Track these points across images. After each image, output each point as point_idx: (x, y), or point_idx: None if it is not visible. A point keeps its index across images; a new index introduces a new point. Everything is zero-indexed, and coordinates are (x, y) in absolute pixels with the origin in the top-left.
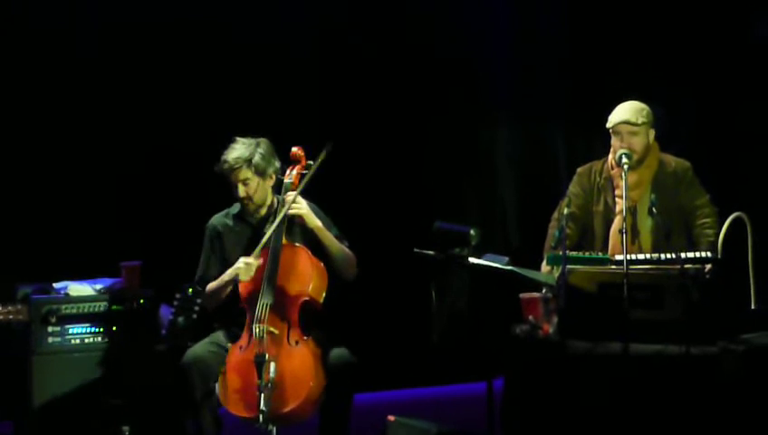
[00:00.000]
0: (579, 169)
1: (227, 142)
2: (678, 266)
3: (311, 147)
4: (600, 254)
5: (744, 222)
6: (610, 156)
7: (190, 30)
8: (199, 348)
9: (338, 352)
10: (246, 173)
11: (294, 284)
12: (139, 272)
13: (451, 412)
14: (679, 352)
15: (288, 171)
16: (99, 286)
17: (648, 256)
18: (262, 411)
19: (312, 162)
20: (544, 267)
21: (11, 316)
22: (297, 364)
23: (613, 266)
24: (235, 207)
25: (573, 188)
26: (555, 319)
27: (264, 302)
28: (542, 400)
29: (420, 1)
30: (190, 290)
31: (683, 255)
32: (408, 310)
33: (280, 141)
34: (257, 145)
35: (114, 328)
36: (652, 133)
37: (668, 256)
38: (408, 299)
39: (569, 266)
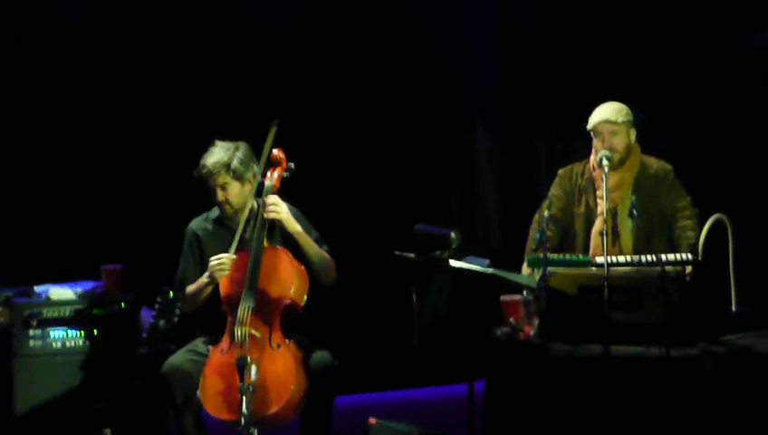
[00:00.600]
0: (560, 171)
1: (209, 146)
2: (659, 269)
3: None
4: (581, 256)
5: (724, 224)
6: (592, 157)
7: (170, 33)
8: (178, 357)
9: (319, 356)
10: (225, 178)
11: (276, 287)
12: (120, 275)
13: (432, 415)
14: (660, 355)
15: (269, 174)
16: (80, 290)
17: (628, 258)
18: (243, 415)
19: (292, 164)
20: (525, 270)
21: None
22: (279, 368)
23: (594, 269)
24: (215, 211)
25: (554, 190)
26: (536, 321)
27: (246, 305)
28: (524, 402)
29: (403, 6)
30: (171, 293)
31: (663, 257)
32: (388, 313)
33: (261, 144)
34: (236, 149)
35: (95, 331)
36: (633, 133)
37: (649, 258)
38: (388, 302)
39: (550, 269)
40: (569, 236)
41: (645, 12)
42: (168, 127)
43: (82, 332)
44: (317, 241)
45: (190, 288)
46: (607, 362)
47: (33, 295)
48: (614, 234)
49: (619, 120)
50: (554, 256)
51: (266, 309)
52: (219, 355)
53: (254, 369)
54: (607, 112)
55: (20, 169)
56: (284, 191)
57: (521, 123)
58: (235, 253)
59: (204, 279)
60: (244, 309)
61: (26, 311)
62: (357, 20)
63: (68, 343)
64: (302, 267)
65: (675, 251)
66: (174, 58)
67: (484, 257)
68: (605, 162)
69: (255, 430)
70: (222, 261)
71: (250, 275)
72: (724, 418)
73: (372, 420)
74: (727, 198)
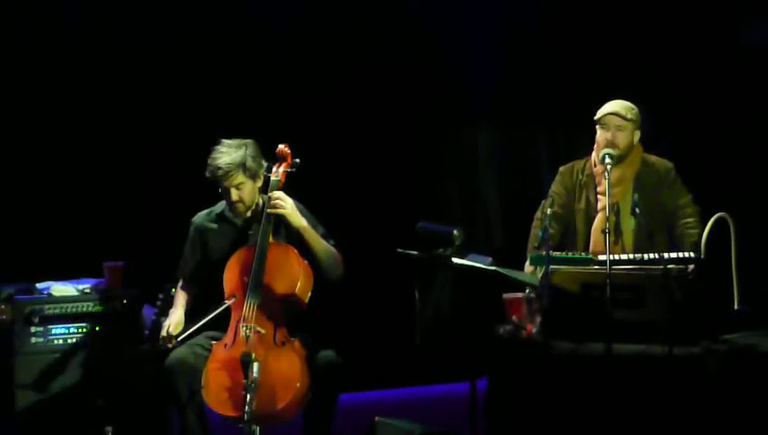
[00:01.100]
0: (561, 169)
1: (210, 142)
2: (661, 267)
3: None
4: (583, 253)
5: (726, 222)
6: (594, 152)
7: (170, 33)
8: (182, 351)
9: (324, 354)
10: (240, 178)
11: (281, 283)
12: (122, 272)
13: (435, 413)
14: (662, 353)
15: (274, 169)
16: (82, 287)
17: (631, 256)
18: (246, 411)
19: (298, 160)
20: (528, 267)
21: None
22: (284, 365)
23: (596, 267)
24: (219, 206)
25: (555, 187)
26: (538, 319)
27: (251, 301)
28: (526, 400)
29: (403, 6)
30: (173, 290)
31: (666, 255)
32: (391, 310)
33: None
34: (246, 147)
35: (97, 328)
36: (637, 134)
37: (651, 256)
38: (391, 299)
39: (552, 267)
40: (569, 233)
41: (646, 10)
42: (168, 124)
43: (84, 329)
44: (324, 237)
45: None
46: (609, 360)
47: (34, 292)
48: (616, 231)
49: (628, 116)
50: (557, 253)
51: (271, 305)
52: (223, 351)
53: (256, 366)
54: (617, 106)
55: (22, 167)
56: (289, 188)
57: (522, 121)
58: (241, 249)
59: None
60: (249, 305)
61: (28, 308)
62: (357, 20)
63: (69, 340)
64: (307, 264)
65: (676, 249)
66: (174, 57)
67: (486, 255)
68: (607, 159)
69: (258, 428)
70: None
71: (255, 271)
72: (727, 416)
73: (377, 419)
74: (730, 196)
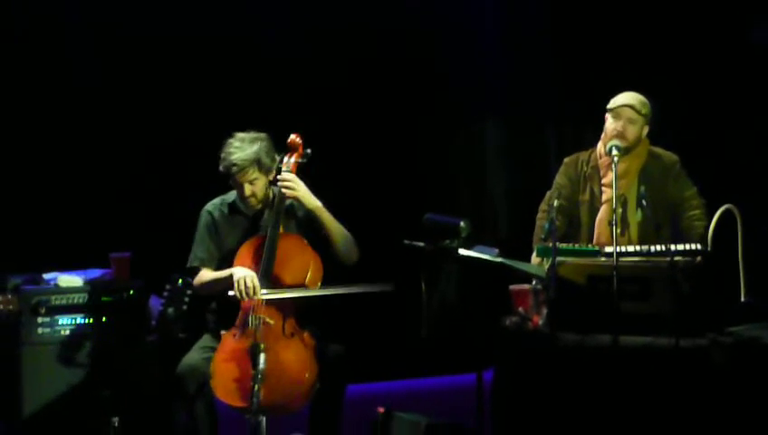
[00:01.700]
0: (565, 160)
1: (214, 134)
2: (668, 259)
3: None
4: (589, 245)
5: (733, 215)
6: (600, 143)
7: (177, 25)
8: (192, 356)
9: (332, 346)
10: (254, 173)
11: (291, 273)
12: (129, 263)
13: (441, 404)
14: (668, 345)
15: (285, 159)
16: (88, 277)
17: (637, 248)
18: (254, 402)
19: (309, 150)
20: (534, 259)
21: (0, 307)
22: (292, 356)
23: (603, 259)
24: (231, 196)
25: (560, 178)
26: (545, 311)
27: (261, 291)
28: (532, 391)
29: (403, 6)
30: (180, 281)
31: (673, 247)
32: (398, 302)
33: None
34: (260, 142)
35: (104, 319)
36: (646, 129)
37: (658, 248)
38: (398, 291)
39: (559, 258)
40: (573, 225)
41: (655, 5)
42: (173, 117)
43: (91, 319)
44: None
45: (208, 276)
46: (615, 352)
47: (41, 283)
48: (622, 223)
49: (643, 111)
50: (564, 245)
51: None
52: (232, 342)
53: (263, 356)
54: (632, 99)
55: (30, 157)
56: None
57: (529, 113)
58: (251, 239)
59: (224, 275)
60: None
61: (35, 298)
62: (357, 20)
63: (76, 331)
64: (317, 255)
65: (681, 241)
66: (176, 55)
67: (493, 247)
68: (615, 151)
69: (264, 418)
70: (249, 287)
71: (265, 261)
72: (733, 408)
73: (381, 409)
74: (737, 188)
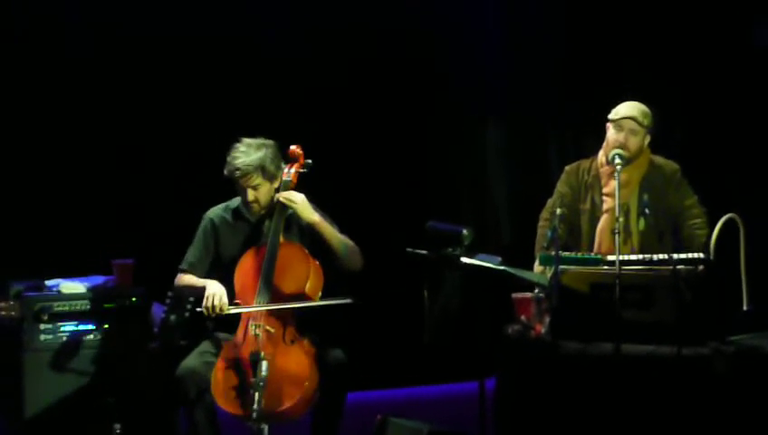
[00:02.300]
0: (567, 168)
1: (217, 140)
2: (671, 267)
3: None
4: (592, 254)
5: (736, 224)
6: (601, 152)
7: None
8: (192, 360)
9: (332, 353)
10: (257, 179)
11: (291, 282)
12: (132, 270)
13: (443, 412)
14: (671, 353)
15: (286, 169)
16: (91, 284)
17: (640, 256)
18: (255, 410)
19: (310, 161)
20: (537, 267)
21: (3, 313)
22: (293, 363)
23: (605, 267)
24: (235, 202)
25: (561, 187)
26: (547, 319)
27: (261, 300)
28: (534, 400)
29: (403, 6)
30: None
31: (675, 256)
32: (400, 309)
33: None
34: (266, 149)
35: (106, 326)
36: (648, 139)
37: (661, 256)
38: (400, 299)
39: (561, 267)
40: (573, 233)
41: (657, 8)
42: (176, 123)
43: (93, 326)
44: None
45: (187, 280)
46: (618, 361)
47: (44, 289)
48: (625, 232)
49: (645, 122)
50: (566, 254)
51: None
52: (232, 350)
53: (264, 364)
54: (635, 111)
55: (33, 163)
56: (300, 188)
57: (531, 119)
58: (252, 248)
59: (200, 284)
60: (259, 304)
61: (37, 305)
62: (357, 20)
63: (78, 338)
64: (318, 263)
65: (682, 250)
66: (176, 55)
67: (495, 255)
68: (617, 160)
69: (266, 426)
70: (215, 305)
71: (265, 270)
72: (735, 417)
73: (380, 417)
74: (739, 196)
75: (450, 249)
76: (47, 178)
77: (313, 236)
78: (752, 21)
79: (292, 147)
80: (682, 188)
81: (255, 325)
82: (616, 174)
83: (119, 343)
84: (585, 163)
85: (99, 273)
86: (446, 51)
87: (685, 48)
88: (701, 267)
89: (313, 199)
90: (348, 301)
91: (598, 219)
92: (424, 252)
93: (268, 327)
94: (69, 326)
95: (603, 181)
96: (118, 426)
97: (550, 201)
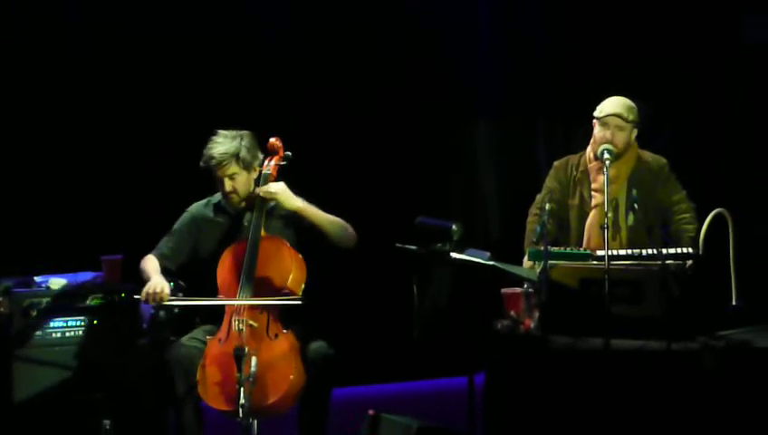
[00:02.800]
0: (555, 163)
1: (208, 135)
2: (660, 262)
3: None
4: (580, 249)
5: (725, 218)
6: (589, 148)
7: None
8: (182, 343)
9: (316, 346)
10: (234, 168)
11: (273, 276)
12: (121, 266)
13: (432, 407)
14: (660, 348)
15: (266, 162)
16: (80, 280)
17: (629, 251)
18: (242, 406)
19: (290, 153)
20: (526, 262)
21: None
22: (277, 357)
23: (594, 262)
24: (216, 197)
25: (550, 182)
26: (537, 314)
27: (244, 295)
28: (524, 395)
29: (403, 6)
30: (171, 284)
31: (664, 251)
32: (389, 305)
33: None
34: (241, 138)
35: (95, 322)
36: (635, 133)
37: (650, 251)
38: (389, 294)
39: (551, 262)
40: (562, 229)
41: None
42: (166, 119)
43: (82, 322)
44: None
45: (144, 266)
46: (607, 356)
47: (33, 285)
48: (613, 227)
49: (630, 117)
50: (555, 248)
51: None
52: (217, 346)
53: (254, 360)
54: (619, 107)
55: (21, 162)
56: (288, 183)
57: (521, 116)
58: (234, 243)
59: (149, 273)
60: (242, 299)
61: (26, 301)
62: (357, 20)
63: (67, 334)
64: (300, 256)
65: (672, 245)
66: (176, 55)
67: (484, 250)
68: (606, 155)
69: (255, 421)
70: (151, 293)
71: (247, 264)
72: (724, 412)
73: (371, 412)
74: (728, 191)
75: (439, 244)
76: (36, 175)
77: (300, 223)
78: (740, 18)
79: (271, 139)
80: (670, 182)
81: (238, 320)
82: (605, 169)
83: (108, 339)
84: (574, 159)
85: (88, 269)
86: (446, 49)
87: (676, 45)
88: (690, 262)
89: (305, 193)
90: (298, 302)
91: (587, 215)
92: (413, 247)
93: (251, 322)
94: (58, 322)
95: (592, 177)
96: (107, 422)
97: (539, 196)
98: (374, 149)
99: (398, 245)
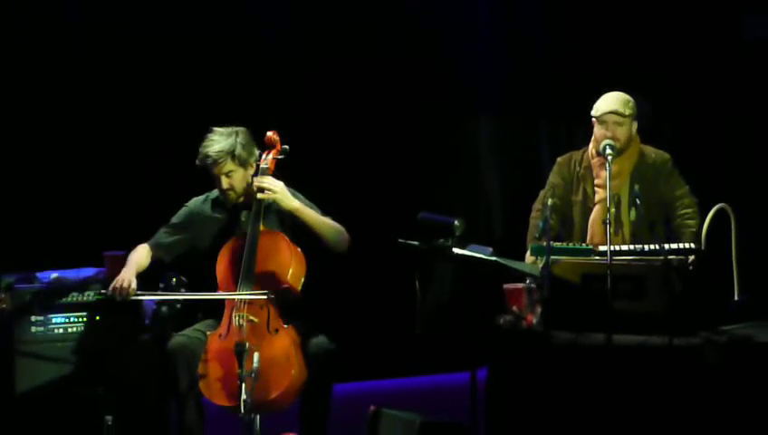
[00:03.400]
0: (558, 159)
1: (206, 133)
2: (662, 258)
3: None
4: (584, 244)
5: (727, 214)
6: (591, 145)
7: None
8: (184, 336)
9: (317, 340)
10: (230, 165)
11: (273, 271)
12: (123, 261)
13: (435, 403)
14: (662, 344)
15: (263, 156)
16: (82, 276)
17: (631, 247)
18: (244, 401)
19: (287, 147)
20: (528, 258)
21: None
22: (278, 353)
23: (597, 258)
24: (215, 193)
25: (553, 178)
26: (539, 310)
27: (243, 290)
28: (526, 390)
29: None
30: (174, 279)
31: (666, 246)
32: (392, 300)
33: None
34: (236, 135)
35: (97, 318)
36: (635, 125)
37: (652, 247)
38: (392, 289)
39: (553, 257)
40: (566, 224)
41: (648, 3)
42: (168, 116)
43: (84, 318)
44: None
45: (133, 256)
46: (609, 351)
47: (35, 281)
48: (616, 223)
49: (627, 112)
50: (558, 244)
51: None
52: (218, 342)
53: (256, 356)
54: (614, 103)
55: (24, 156)
56: (291, 179)
57: (523, 112)
58: (233, 238)
59: (131, 266)
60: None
61: (28, 297)
62: (357, 20)
63: (70, 329)
64: (299, 250)
65: (674, 240)
66: (176, 55)
67: (487, 245)
68: (609, 150)
69: (257, 416)
70: (118, 288)
71: (246, 259)
72: (726, 407)
73: (373, 408)
74: (730, 187)
75: (442, 240)
76: (39, 171)
77: (295, 222)
78: (740, 17)
79: (269, 133)
80: (673, 177)
81: (239, 316)
82: (607, 165)
83: (110, 334)
84: (577, 155)
85: (90, 264)
86: (446, 49)
87: (676, 42)
88: (692, 257)
89: (307, 189)
90: (264, 296)
91: (590, 210)
92: (416, 243)
93: (251, 317)
94: (60, 318)
95: (595, 172)
96: (109, 417)
97: (542, 192)
98: (375, 148)
99: (400, 240)
